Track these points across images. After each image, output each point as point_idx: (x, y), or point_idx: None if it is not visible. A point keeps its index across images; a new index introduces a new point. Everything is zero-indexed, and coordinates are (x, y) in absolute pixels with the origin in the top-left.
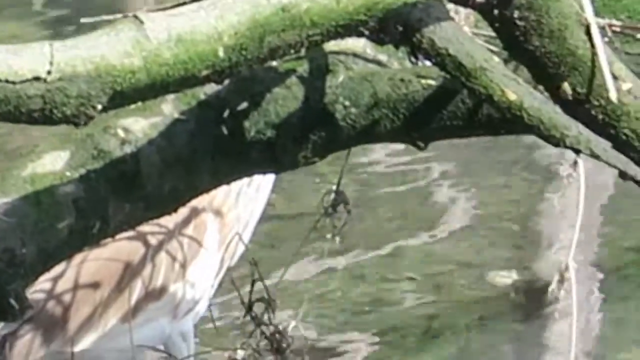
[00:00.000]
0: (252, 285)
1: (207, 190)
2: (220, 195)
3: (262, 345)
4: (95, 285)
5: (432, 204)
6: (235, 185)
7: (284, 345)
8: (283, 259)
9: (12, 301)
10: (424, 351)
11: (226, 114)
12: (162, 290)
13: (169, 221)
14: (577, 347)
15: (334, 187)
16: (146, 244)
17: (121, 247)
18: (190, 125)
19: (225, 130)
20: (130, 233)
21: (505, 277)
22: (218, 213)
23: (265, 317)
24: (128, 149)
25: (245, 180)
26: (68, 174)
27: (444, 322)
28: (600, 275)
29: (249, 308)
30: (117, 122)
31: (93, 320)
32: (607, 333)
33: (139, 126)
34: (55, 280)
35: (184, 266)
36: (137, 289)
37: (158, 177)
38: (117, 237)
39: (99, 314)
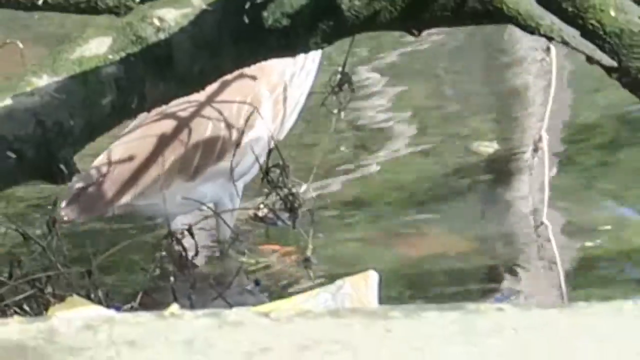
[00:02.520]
0: (269, 154)
1: (230, 71)
2: (275, 75)
3: (278, 205)
4: (163, 149)
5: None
6: (289, 68)
7: (296, 204)
8: (294, 130)
9: (62, 166)
10: (420, 210)
11: (247, 5)
12: (220, 155)
13: (231, 94)
14: (550, 215)
15: (340, 69)
16: (209, 114)
17: (186, 118)
18: (216, 15)
19: (246, 20)
20: (195, 105)
21: (488, 147)
22: (273, 90)
23: (280, 180)
24: (162, 36)
25: (299, 64)
26: (110, 57)
27: (434, 184)
28: (566, 145)
29: (266, 173)
30: (152, 12)
31: (161, 178)
32: (576, 188)
33: (171, 16)
34: (128, 144)
35: (240, 136)
36: (198, 153)
37: (188, 60)
38: (183, 109)
39: (166, 173)
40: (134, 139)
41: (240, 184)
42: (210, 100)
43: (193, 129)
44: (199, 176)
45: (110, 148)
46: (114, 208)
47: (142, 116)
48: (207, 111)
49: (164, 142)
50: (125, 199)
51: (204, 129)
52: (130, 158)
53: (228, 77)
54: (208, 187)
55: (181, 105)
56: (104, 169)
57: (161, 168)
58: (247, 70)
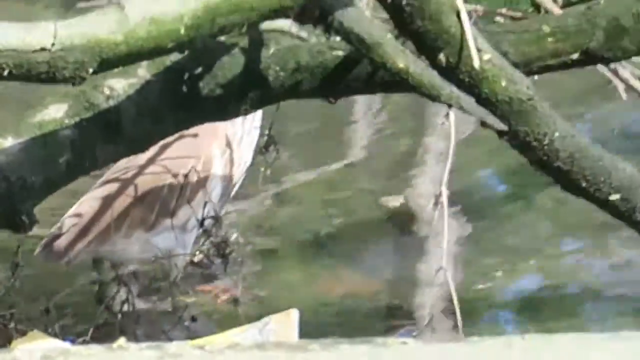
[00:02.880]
0: (204, 206)
1: (172, 134)
2: (225, 138)
3: (212, 252)
4: (125, 204)
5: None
6: (239, 130)
7: (227, 251)
8: None
9: (24, 217)
10: (335, 256)
11: (186, 76)
12: (175, 210)
13: (185, 154)
14: (448, 256)
15: (267, 132)
16: (165, 172)
17: (145, 175)
18: (159, 84)
19: (185, 89)
20: (153, 163)
21: (394, 201)
22: (224, 152)
23: (214, 230)
24: (111, 103)
25: (247, 127)
26: (66, 121)
27: (343, 236)
28: (464, 198)
29: (201, 224)
30: (103, 82)
31: (123, 228)
32: (473, 237)
33: (120, 85)
34: (97, 198)
35: (193, 193)
36: (157, 208)
37: (134, 125)
38: (146, 168)
39: (128, 224)
40: (100, 193)
41: (192, 236)
42: (166, 159)
43: (151, 186)
44: (155, 228)
45: (80, 201)
46: (81, 253)
47: (110, 171)
48: (164, 169)
49: (126, 197)
50: (91, 246)
51: (160, 187)
52: (97, 211)
53: (184, 137)
54: (163, 238)
55: (141, 162)
56: (74, 220)
57: (123, 220)
58: (200, 131)
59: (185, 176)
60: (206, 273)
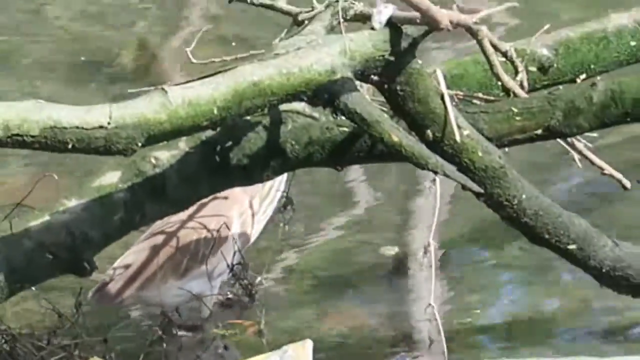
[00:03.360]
0: (234, 255)
1: (206, 196)
2: (244, 204)
3: (240, 293)
4: (163, 256)
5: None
6: (257, 198)
7: (254, 292)
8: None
9: (86, 264)
10: (341, 296)
11: (218, 148)
12: (202, 260)
13: (210, 215)
14: (436, 299)
15: (285, 193)
16: (194, 229)
17: (178, 233)
18: (196, 156)
19: (217, 159)
20: (185, 223)
21: (390, 250)
22: (241, 215)
23: (242, 274)
24: (157, 170)
25: (265, 194)
26: (120, 185)
27: (352, 277)
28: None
29: (231, 269)
30: (150, 154)
31: (159, 277)
32: (456, 279)
33: (164, 156)
34: (141, 250)
35: (217, 246)
36: (186, 259)
37: (176, 189)
38: (177, 225)
39: (163, 273)
40: (141, 247)
41: (218, 281)
42: (195, 219)
43: (182, 240)
44: (186, 276)
45: (127, 253)
46: (128, 298)
47: (153, 226)
48: (193, 227)
49: (162, 250)
50: (132, 291)
51: (190, 241)
52: (138, 261)
53: (210, 202)
54: (194, 284)
55: (175, 222)
56: (120, 270)
57: (159, 269)
58: (223, 199)
59: (215, 231)
60: (236, 310)
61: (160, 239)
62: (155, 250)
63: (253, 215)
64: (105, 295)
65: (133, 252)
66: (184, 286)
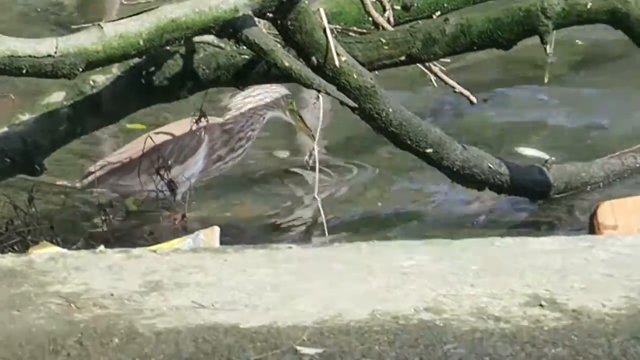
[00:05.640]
0: (159, 159)
1: (135, 111)
2: (216, 133)
3: (165, 189)
4: (140, 155)
5: None
6: (225, 136)
7: (175, 188)
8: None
9: (37, 167)
10: (244, 191)
11: (144, 73)
12: (170, 167)
13: (186, 132)
14: (319, 193)
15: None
16: (173, 139)
17: (159, 140)
18: (126, 79)
19: (143, 81)
20: (164, 134)
21: (282, 154)
22: (210, 140)
23: (166, 173)
24: (95, 90)
25: (233, 136)
26: (65, 103)
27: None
28: (331, 152)
29: (157, 170)
30: (89, 77)
31: (137, 172)
32: (336, 179)
33: (100, 79)
34: (121, 152)
35: (185, 157)
36: (159, 161)
37: (109, 105)
38: (155, 136)
39: (141, 169)
40: (125, 149)
41: (184, 185)
42: (175, 133)
43: (162, 145)
44: (158, 173)
45: (112, 153)
46: (106, 185)
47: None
48: (173, 138)
49: (142, 151)
50: (113, 180)
51: (166, 148)
52: (121, 159)
53: (189, 124)
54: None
55: (157, 132)
56: (105, 162)
57: (138, 166)
58: (203, 125)
59: (185, 146)
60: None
61: (139, 143)
62: (133, 151)
63: (221, 148)
64: (91, 181)
65: (116, 153)
66: (155, 181)
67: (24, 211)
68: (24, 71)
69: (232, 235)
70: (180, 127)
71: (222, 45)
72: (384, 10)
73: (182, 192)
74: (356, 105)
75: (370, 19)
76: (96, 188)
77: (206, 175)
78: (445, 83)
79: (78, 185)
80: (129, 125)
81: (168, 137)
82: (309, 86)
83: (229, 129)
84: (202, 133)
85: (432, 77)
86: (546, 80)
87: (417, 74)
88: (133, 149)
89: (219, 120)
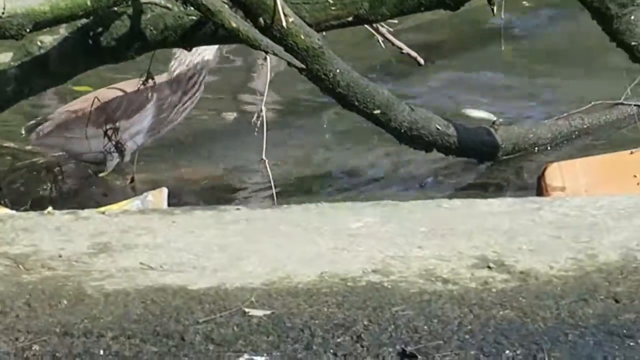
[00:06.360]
0: (105, 115)
1: (83, 72)
2: (164, 92)
3: (113, 150)
4: (84, 110)
5: None
6: (172, 95)
7: (123, 150)
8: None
9: None
10: (194, 152)
11: (91, 34)
12: (117, 119)
13: (130, 91)
14: (267, 155)
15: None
16: (115, 97)
17: (106, 97)
18: (74, 39)
19: (91, 42)
20: (111, 92)
21: (230, 115)
22: (158, 99)
23: (114, 135)
24: (42, 51)
25: (177, 96)
26: (12, 63)
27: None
28: (278, 114)
29: (105, 132)
30: (37, 38)
31: (84, 126)
32: (283, 139)
33: (48, 40)
34: (69, 108)
35: (132, 112)
36: (105, 116)
37: (57, 66)
38: (102, 94)
39: (89, 123)
40: (71, 105)
41: (130, 142)
42: (123, 92)
43: (109, 102)
44: (104, 128)
45: (62, 108)
46: (53, 141)
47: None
48: (120, 95)
49: (89, 107)
50: (61, 133)
51: (112, 104)
52: (68, 115)
53: (139, 84)
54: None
55: (104, 90)
56: (53, 116)
57: (85, 120)
58: (152, 84)
59: (134, 103)
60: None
61: (89, 99)
62: (81, 106)
63: (172, 105)
64: (37, 135)
65: (63, 108)
66: (99, 138)
67: None
68: None
69: (180, 197)
70: (129, 86)
71: (170, 6)
72: None
73: (129, 153)
74: (304, 67)
75: None
76: (42, 141)
77: (157, 133)
78: (393, 44)
79: (23, 134)
80: (75, 88)
81: (116, 94)
82: (256, 47)
83: (177, 82)
84: (150, 92)
85: (380, 38)
86: (503, 48)
87: (365, 36)
88: (80, 105)
89: (166, 78)
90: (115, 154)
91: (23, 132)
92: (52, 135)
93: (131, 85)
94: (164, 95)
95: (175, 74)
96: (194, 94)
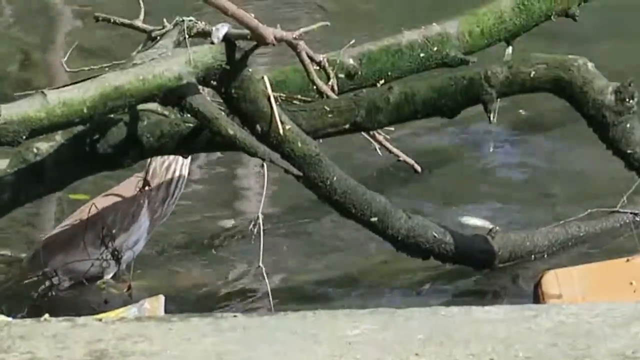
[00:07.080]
0: (103, 229)
1: (78, 179)
2: (157, 196)
3: (109, 258)
4: (81, 226)
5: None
6: (163, 196)
7: (120, 257)
8: None
9: None
10: (195, 259)
11: (88, 140)
12: (114, 235)
13: (123, 199)
14: (264, 262)
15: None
16: (110, 209)
17: (99, 209)
18: (70, 146)
19: (87, 149)
20: (106, 202)
21: (228, 223)
22: (150, 204)
23: (110, 243)
24: (38, 158)
25: (171, 193)
26: (8, 170)
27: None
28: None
29: (102, 239)
30: (33, 145)
31: (82, 246)
32: (281, 244)
33: (44, 147)
34: (63, 227)
35: (128, 225)
36: (103, 232)
37: (54, 172)
38: (97, 204)
39: (83, 243)
40: (67, 222)
41: (126, 256)
42: (113, 200)
43: (103, 215)
44: (100, 247)
45: (59, 226)
46: (53, 265)
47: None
48: (114, 205)
49: (85, 224)
50: (60, 258)
51: (107, 217)
52: (63, 234)
53: (130, 190)
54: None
55: (98, 200)
56: (50, 240)
57: (81, 240)
58: (139, 189)
59: (129, 212)
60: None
61: (83, 212)
62: (76, 223)
63: (162, 201)
64: (35, 262)
65: (58, 228)
66: (97, 253)
67: None
68: None
69: (177, 304)
70: (121, 191)
71: (166, 113)
72: (328, 78)
73: (126, 261)
74: (300, 174)
75: (315, 87)
76: (42, 269)
77: (152, 230)
78: (389, 151)
79: (24, 260)
80: (71, 196)
81: (109, 205)
82: (253, 154)
83: (157, 177)
84: (142, 197)
85: (377, 146)
86: (491, 150)
87: (362, 143)
88: (76, 222)
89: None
90: (113, 263)
91: (24, 262)
92: (52, 260)
93: (123, 190)
94: (152, 195)
95: (151, 170)
96: (179, 180)
